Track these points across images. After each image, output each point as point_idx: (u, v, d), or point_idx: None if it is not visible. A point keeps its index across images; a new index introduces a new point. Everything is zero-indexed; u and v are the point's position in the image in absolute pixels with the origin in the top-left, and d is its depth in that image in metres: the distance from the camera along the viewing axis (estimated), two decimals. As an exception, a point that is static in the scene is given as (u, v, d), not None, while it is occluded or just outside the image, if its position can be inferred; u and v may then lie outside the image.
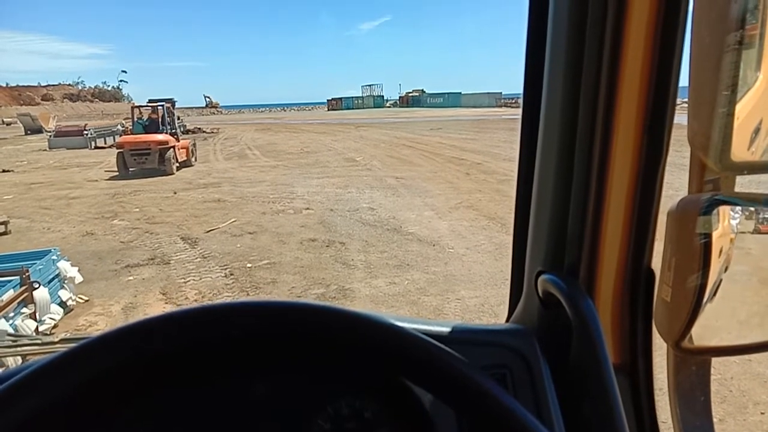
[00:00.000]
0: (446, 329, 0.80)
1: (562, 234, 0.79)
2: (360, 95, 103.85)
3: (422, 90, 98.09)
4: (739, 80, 0.63)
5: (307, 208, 11.22)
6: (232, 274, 7.28)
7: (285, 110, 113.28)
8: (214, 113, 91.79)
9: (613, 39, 0.68)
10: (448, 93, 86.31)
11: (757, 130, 0.73)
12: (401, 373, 0.56)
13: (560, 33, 0.74)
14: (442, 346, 0.54)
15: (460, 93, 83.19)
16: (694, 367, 0.78)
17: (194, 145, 20.32)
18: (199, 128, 37.16)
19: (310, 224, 9.83)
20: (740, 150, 0.65)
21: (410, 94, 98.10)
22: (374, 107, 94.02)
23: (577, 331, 0.73)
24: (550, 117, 0.78)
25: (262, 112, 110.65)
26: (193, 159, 19.42)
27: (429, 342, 0.54)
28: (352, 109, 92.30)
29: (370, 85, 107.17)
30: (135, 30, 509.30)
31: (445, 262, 7.46)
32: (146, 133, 18.07)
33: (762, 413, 3.83)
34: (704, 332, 0.74)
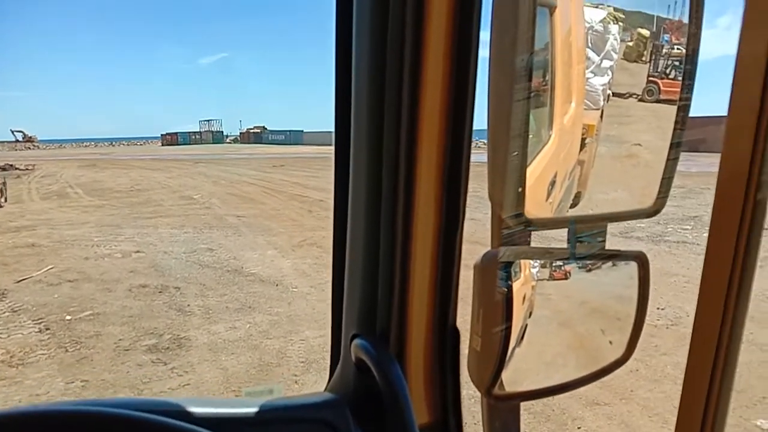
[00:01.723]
0: (253, 410, 0.74)
1: (374, 298, 0.78)
2: (198, 130, 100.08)
3: (264, 127, 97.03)
4: (530, 139, 0.68)
5: (138, 251, 10.38)
6: (48, 329, 6.44)
7: (114, 145, 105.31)
8: (30, 148, 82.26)
9: (411, 95, 0.70)
10: (290, 130, 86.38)
11: (551, 186, 0.79)
12: None
13: (362, 82, 0.74)
14: None
15: (302, 131, 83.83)
16: (503, 414, 0.81)
17: (4, 183, 18.30)
18: (11, 165, 33.22)
19: (140, 269, 9.08)
20: (535, 207, 0.69)
21: (251, 131, 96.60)
22: (213, 143, 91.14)
23: (386, 397, 0.72)
24: (357, 181, 0.78)
25: (87, 146, 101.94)
26: (2, 200, 17.36)
27: None
28: (190, 144, 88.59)
29: (208, 121, 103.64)
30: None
31: (288, 302, 7.32)
32: (-58, 171, 15.80)
33: (579, 428, 4.24)
34: (514, 377, 0.77)
